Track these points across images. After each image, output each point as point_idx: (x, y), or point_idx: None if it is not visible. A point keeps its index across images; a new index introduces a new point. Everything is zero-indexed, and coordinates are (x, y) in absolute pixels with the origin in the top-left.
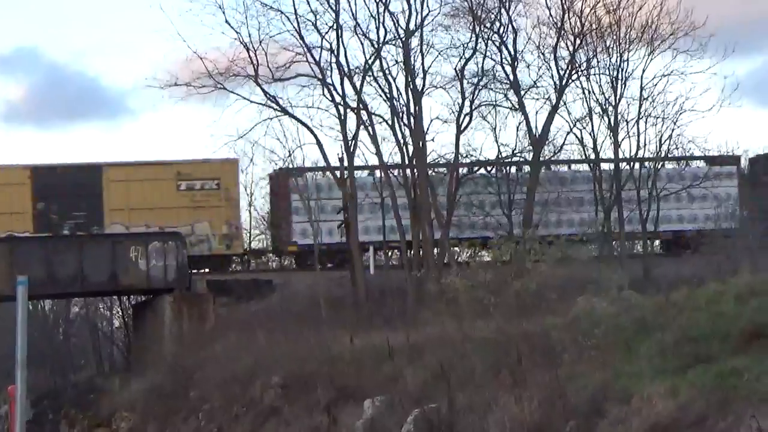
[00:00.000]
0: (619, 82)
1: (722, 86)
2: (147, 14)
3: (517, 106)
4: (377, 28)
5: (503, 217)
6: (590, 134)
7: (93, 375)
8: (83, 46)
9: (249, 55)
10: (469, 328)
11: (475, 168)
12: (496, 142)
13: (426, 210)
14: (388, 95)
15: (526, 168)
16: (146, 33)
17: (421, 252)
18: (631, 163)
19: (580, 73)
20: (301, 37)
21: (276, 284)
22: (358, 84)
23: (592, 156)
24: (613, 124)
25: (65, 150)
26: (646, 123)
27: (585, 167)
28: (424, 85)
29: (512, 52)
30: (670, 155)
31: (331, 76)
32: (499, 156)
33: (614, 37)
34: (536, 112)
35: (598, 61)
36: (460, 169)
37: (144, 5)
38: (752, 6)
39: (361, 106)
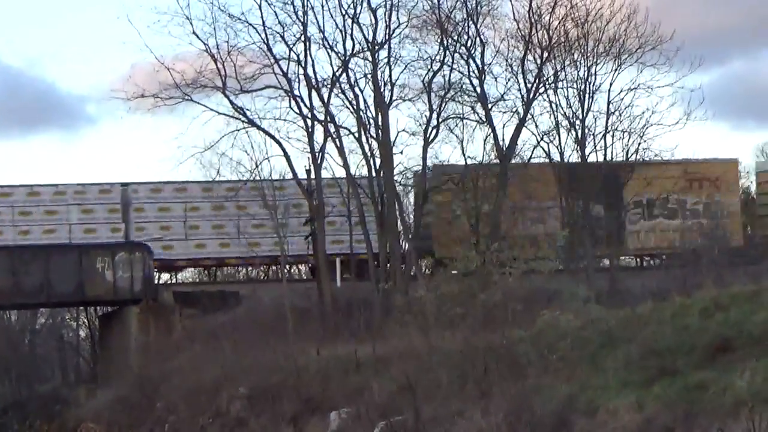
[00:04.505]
0: (587, 95)
1: (688, 100)
2: (108, 20)
3: (484, 119)
4: (345, 41)
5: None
6: (557, 148)
7: (59, 386)
8: (39, 51)
9: (217, 67)
10: (436, 341)
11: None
12: (464, 154)
13: (393, 222)
14: (356, 108)
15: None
16: (106, 40)
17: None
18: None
19: (547, 86)
20: (269, 49)
21: (242, 295)
22: (325, 96)
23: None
24: (580, 138)
25: (23, 159)
26: (613, 137)
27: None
28: (391, 98)
29: (480, 65)
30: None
31: (298, 88)
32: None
33: (582, 50)
34: (504, 125)
35: (565, 75)
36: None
37: (104, 11)
38: (710, 19)
39: (328, 118)
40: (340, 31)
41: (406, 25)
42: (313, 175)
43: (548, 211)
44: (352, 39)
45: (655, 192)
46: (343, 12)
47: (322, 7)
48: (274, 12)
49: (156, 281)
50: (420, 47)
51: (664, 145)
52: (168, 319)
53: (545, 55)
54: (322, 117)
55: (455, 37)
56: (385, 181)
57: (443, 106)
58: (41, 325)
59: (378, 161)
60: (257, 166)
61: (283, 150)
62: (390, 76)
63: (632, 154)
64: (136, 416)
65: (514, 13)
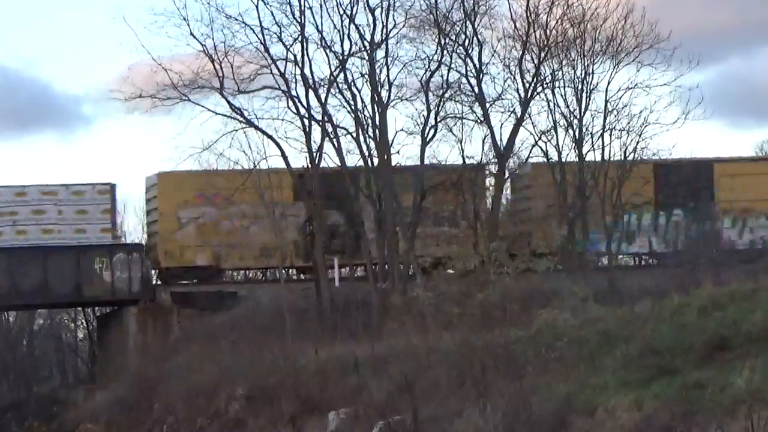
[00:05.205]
0: (584, 95)
1: (687, 99)
2: (104, 21)
3: (482, 119)
4: (342, 41)
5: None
6: (555, 147)
7: (57, 387)
8: (35, 52)
9: (214, 67)
10: (434, 340)
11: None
12: (462, 154)
13: (391, 222)
14: (353, 107)
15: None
16: (102, 41)
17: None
18: (596, 175)
19: (545, 85)
20: (266, 50)
21: (240, 296)
22: (323, 96)
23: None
24: (577, 137)
25: (19, 159)
26: (611, 136)
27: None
28: (389, 98)
29: (477, 65)
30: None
31: (296, 88)
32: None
33: (579, 50)
34: (501, 125)
35: (563, 74)
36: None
37: (100, 12)
38: (707, 17)
39: (325, 118)
40: (338, 31)
41: (404, 25)
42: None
43: (287, 218)
44: (350, 39)
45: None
46: (341, 12)
47: (320, 7)
48: (271, 12)
49: (154, 282)
50: (417, 47)
51: (662, 143)
52: (166, 319)
53: (543, 54)
54: (319, 117)
55: (453, 37)
56: (384, 180)
57: (441, 105)
58: (39, 326)
59: (376, 161)
60: (255, 166)
61: (281, 150)
62: (388, 75)
63: (630, 153)
64: (135, 417)
65: (511, 13)
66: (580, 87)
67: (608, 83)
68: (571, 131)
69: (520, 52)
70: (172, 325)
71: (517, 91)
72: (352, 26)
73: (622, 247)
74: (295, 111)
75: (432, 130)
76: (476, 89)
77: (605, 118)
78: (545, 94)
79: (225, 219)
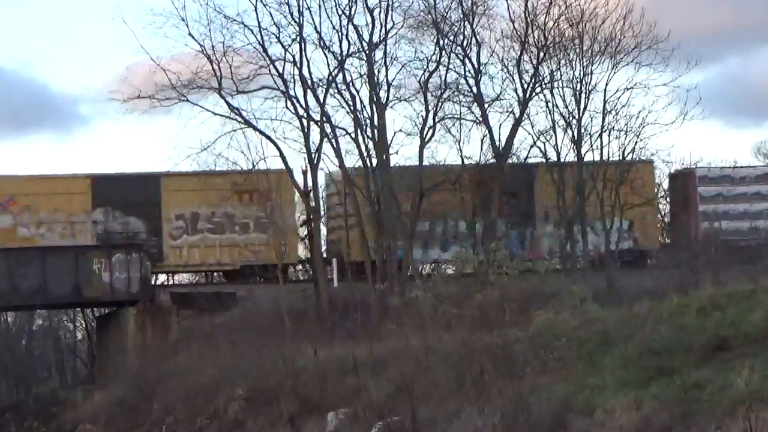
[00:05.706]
0: (583, 95)
1: (685, 99)
2: (103, 21)
3: (480, 119)
4: (341, 41)
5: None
6: (554, 147)
7: (56, 387)
8: (32, 53)
9: (212, 67)
10: (433, 341)
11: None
12: (460, 154)
13: (389, 222)
14: (352, 108)
15: None
16: (100, 41)
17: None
18: (595, 174)
19: (543, 86)
20: (265, 50)
21: (239, 296)
22: (321, 96)
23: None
24: (576, 137)
25: (16, 160)
26: (609, 136)
27: None
28: (387, 98)
29: (476, 65)
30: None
31: (294, 88)
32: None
33: (577, 50)
34: (500, 125)
35: (561, 75)
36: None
37: (98, 13)
38: (705, 17)
39: (324, 118)
40: (336, 31)
41: (402, 26)
42: (309, 176)
43: (80, 225)
44: (348, 39)
45: (200, 205)
46: (340, 12)
47: (319, 7)
48: (270, 13)
49: (153, 282)
50: (416, 47)
51: (660, 144)
52: (165, 320)
53: (541, 55)
54: (318, 117)
55: (451, 38)
56: (382, 181)
57: (439, 106)
58: (38, 326)
59: (374, 161)
60: (254, 167)
61: (279, 150)
62: (386, 76)
63: (628, 154)
64: (134, 418)
65: (509, 14)
66: (578, 87)
67: (607, 83)
68: (569, 131)
69: (519, 53)
70: (171, 326)
71: (516, 91)
72: (351, 26)
73: (434, 254)
74: (293, 111)
75: (430, 131)
76: (475, 89)
77: (604, 119)
78: (544, 95)
79: (20, 226)
